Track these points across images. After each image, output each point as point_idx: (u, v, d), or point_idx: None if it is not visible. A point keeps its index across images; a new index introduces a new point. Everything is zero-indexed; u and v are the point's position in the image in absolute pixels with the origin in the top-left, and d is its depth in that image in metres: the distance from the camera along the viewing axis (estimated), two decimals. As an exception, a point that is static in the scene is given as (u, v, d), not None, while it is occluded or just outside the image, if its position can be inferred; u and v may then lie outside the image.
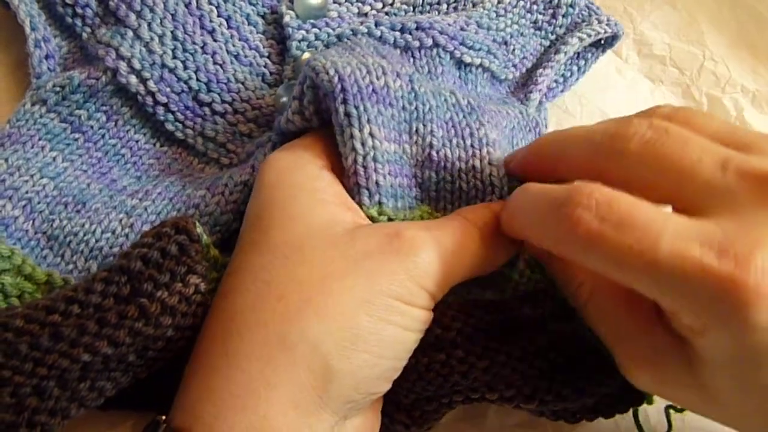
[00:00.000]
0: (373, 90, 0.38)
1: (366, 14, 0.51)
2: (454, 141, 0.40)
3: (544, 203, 0.32)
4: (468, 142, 0.40)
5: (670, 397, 0.35)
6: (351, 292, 0.32)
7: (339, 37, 0.45)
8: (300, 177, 0.36)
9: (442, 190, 0.39)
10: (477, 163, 0.40)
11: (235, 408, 0.30)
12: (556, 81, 0.53)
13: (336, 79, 0.37)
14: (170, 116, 0.46)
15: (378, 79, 0.38)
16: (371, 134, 0.37)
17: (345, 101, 0.37)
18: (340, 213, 0.35)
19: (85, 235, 0.41)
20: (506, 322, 0.37)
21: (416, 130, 0.39)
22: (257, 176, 0.37)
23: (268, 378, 0.31)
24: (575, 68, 0.53)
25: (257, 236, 0.35)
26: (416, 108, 0.39)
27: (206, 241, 0.35)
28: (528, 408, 0.38)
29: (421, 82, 0.40)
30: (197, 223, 0.35)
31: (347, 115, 0.37)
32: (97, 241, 0.41)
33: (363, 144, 0.37)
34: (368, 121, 0.37)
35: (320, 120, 0.39)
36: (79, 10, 0.47)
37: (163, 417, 0.32)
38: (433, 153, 0.39)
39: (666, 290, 0.29)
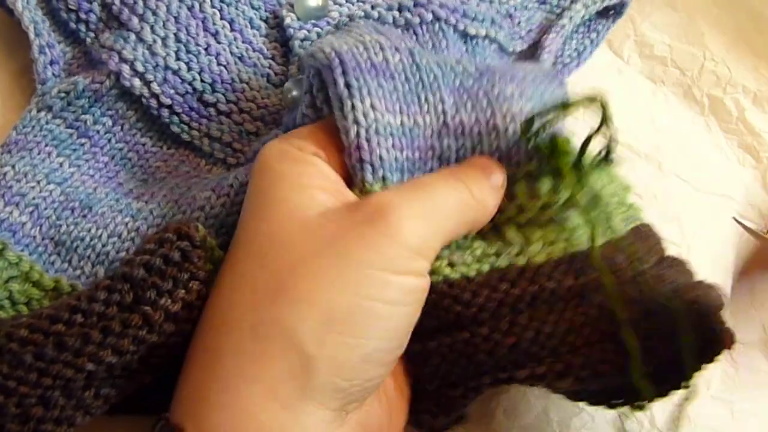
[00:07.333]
0: (372, 64, 0.37)
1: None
2: (468, 105, 0.38)
3: None
4: (484, 103, 0.38)
5: None
6: (322, 273, 0.31)
7: (337, 27, 0.44)
8: (285, 163, 0.35)
9: (462, 158, 0.38)
10: (498, 121, 0.38)
11: (220, 404, 0.30)
12: (570, 56, 0.52)
13: (333, 54, 0.36)
14: (175, 118, 0.46)
15: (376, 54, 0.37)
16: (372, 106, 0.36)
17: (344, 72, 0.36)
18: (319, 196, 0.33)
19: (91, 240, 0.41)
20: (535, 294, 0.35)
21: (426, 99, 0.37)
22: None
23: (245, 372, 0.30)
24: (588, 41, 0.52)
25: (239, 228, 0.35)
26: (420, 78, 0.37)
27: (210, 243, 0.35)
28: (563, 386, 0.35)
29: (422, 55, 0.38)
30: (199, 226, 0.35)
31: (347, 86, 0.36)
32: (103, 245, 0.41)
33: (365, 116, 0.35)
34: (369, 93, 0.36)
35: (330, 108, 0.38)
36: (82, 15, 0.47)
37: (167, 414, 0.32)
38: (448, 120, 0.37)
39: None
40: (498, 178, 0.37)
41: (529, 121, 0.37)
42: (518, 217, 0.37)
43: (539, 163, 0.37)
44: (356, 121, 0.35)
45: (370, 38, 0.38)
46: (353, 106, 0.35)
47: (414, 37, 0.43)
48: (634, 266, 0.36)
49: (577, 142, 0.37)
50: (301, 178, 0.34)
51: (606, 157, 0.38)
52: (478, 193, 0.35)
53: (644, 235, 0.39)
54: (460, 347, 0.34)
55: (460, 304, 0.34)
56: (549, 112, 0.36)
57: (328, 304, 0.30)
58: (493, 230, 0.37)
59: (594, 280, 0.35)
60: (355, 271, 0.31)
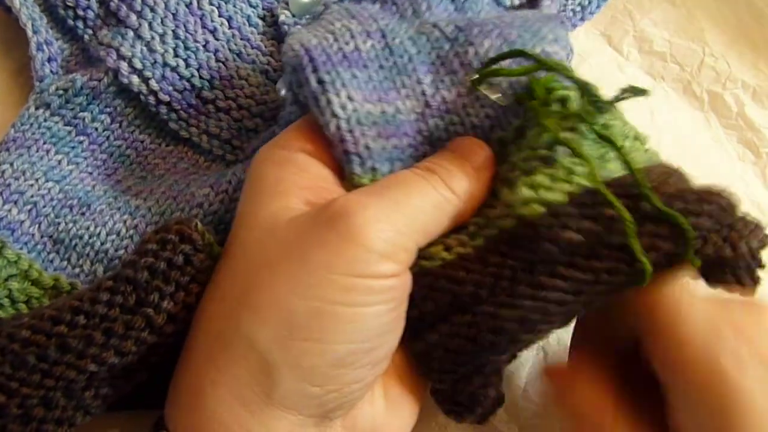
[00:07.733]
0: (343, 55, 0.36)
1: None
2: (447, 79, 0.37)
3: None
4: (461, 74, 0.37)
5: None
6: (282, 279, 0.30)
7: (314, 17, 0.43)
8: (268, 168, 0.34)
9: (453, 135, 0.36)
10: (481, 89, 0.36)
11: (190, 406, 0.31)
12: (573, 10, 0.51)
13: (302, 51, 0.35)
14: (173, 115, 0.46)
15: (347, 44, 0.36)
16: (349, 97, 0.35)
17: (315, 69, 0.35)
18: (292, 202, 0.33)
19: (90, 237, 0.41)
20: (534, 260, 0.32)
21: (402, 84, 0.36)
22: None
23: (212, 376, 0.30)
24: None
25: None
26: (395, 63, 0.37)
27: (209, 239, 0.35)
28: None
29: (395, 33, 0.37)
30: (199, 225, 0.35)
31: (320, 82, 0.35)
32: (102, 243, 0.41)
33: (343, 108, 0.35)
34: (343, 85, 0.35)
35: None
36: (80, 12, 0.46)
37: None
38: (429, 99, 0.36)
39: None
40: (478, 158, 0.35)
41: (486, 68, 0.35)
42: (510, 175, 0.34)
43: (525, 115, 0.36)
44: (334, 115, 0.35)
45: (339, 25, 0.37)
46: (329, 101, 0.35)
47: (394, 8, 0.41)
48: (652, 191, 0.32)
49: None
50: (279, 184, 0.33)
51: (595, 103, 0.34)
52: (457, 185, 0.33)
53: (668, 169, 0.35)
54: (462, 331, 0.33)
55: (454, 282, 0.32)
56: (502, 59, 0.35)
57: (289, 310, 0.30)
58: (490, 198, 0.35)
59: (609, 217, 0.31)
60: (315, 275, 0.30)
